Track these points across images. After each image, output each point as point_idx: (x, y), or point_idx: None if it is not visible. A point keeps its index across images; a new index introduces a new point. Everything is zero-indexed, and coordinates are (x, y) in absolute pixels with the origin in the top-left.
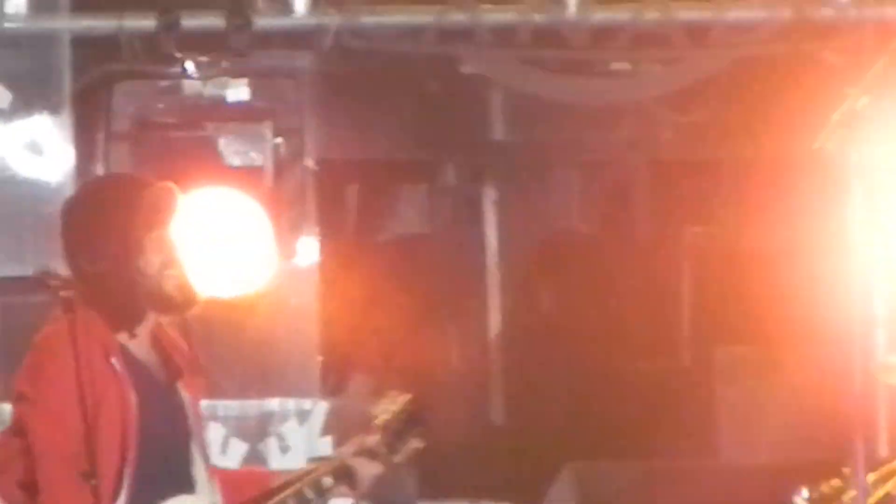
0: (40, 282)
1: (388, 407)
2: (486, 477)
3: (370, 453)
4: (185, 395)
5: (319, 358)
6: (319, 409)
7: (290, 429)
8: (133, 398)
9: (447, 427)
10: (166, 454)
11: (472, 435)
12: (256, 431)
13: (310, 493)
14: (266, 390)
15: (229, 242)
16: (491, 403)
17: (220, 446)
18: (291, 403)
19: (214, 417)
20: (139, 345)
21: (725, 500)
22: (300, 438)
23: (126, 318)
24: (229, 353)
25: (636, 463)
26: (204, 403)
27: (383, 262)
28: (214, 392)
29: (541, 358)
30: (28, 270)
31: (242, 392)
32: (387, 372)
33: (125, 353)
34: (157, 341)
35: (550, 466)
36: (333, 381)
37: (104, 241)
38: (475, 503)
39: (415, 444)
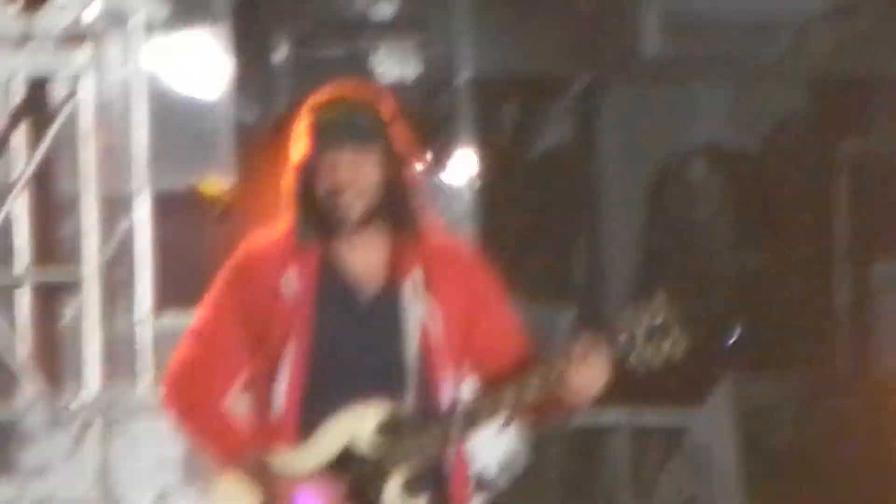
0: (197, 194)
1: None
2: (643, 385)
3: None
4: (422, 314)
5: None
6: None
7: None
8: (307, 313)
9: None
10: (349, 368)
11: None
12: None
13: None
14: None
15: None
16: None
17: None
18: None
19: None
20: (354, 258)
21: (882, 412)
22: None
23: (333, 230)
24: None
25: (794, 374)
26: None
27: (536, 177)
28: None
29: (696, 266)
30: (188, 184)
31: None
32: (542, 287)
33: (325, 266)
34: (402, 261)
35: (709, 377)
36: None
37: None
38: (637, 411)
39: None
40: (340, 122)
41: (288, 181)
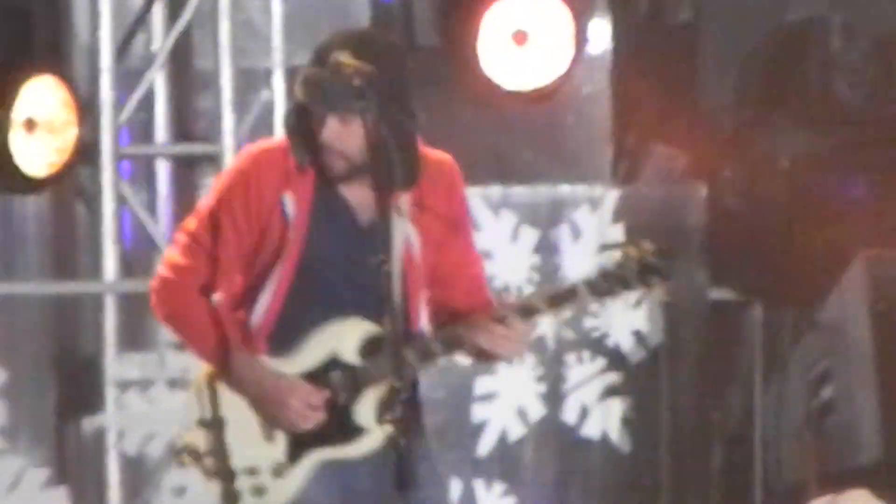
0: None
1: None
2: (773, 273)
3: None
4: (406, 238)
5: (611, 144)
6: (611, 195)
7: (582, 215)
8: (301, 232)
9: (731, 216)
10: (337, 285)
11: (762, 229)
12: (548, 218)
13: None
14: (558, 177)
15: (530, 36)
16: (778, 197)
17: (510, 233)
18: (583, 189)
19: (505, 204)
20: (349, 188)
21: None
22: (592, 225)
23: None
24: (522, 140)
25: None
26: (495, 190)
27: (676, 46)
28: (506, 178)
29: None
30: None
31: (534, 178)
32: (678, 158)
33: (322, 190)
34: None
35: (843, 256)
36: (625, 168)
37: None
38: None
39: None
40: (329, 85)
41: (290, 107)
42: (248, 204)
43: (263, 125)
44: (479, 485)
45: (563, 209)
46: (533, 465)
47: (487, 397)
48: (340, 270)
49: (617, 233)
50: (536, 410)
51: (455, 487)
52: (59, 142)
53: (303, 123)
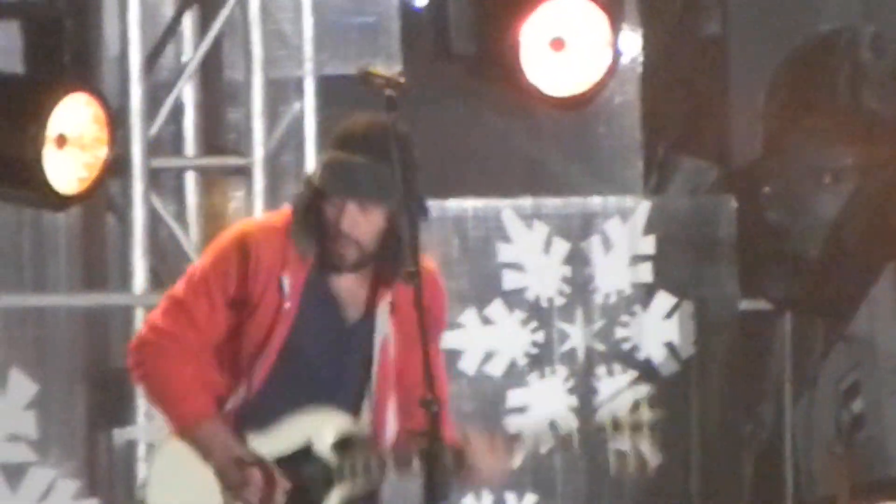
0: (364, 79)
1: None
2: (803, 284)
3: None
4: (385, 339)
5: (642, 155)
6: (642, 206)
7: (613, 227)
8: (291, 316)
9: (762, 227)
10: (317, 376)
11: (793, 240)
12: (579, 230)
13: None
14: (589, 188)
15: (567, 42)
16: (811, 209)
17: (542, 245)
18: (614, 201)
19: (537, 216)
20: (341, 282)
21: None
22: (623, 236)
23: (325, 263)
24: (554, 151)
25: None
26: (527, 201)
27: (707, 57)
28: (537, 190)
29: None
30: (354, 70)
31: (565, 190)
32: (710, 169)
33: (314, 279)
34: (379, 287)
35: (874, 267)
36: (656, 179)
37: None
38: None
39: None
40: (354, 172)
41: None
42: (246, 276)
43: (293, 137)
44: (510, 497)
45: (595, 220)
46: (564, 477)
47: (519, 409)
48: (322, 361)
49: (648, 244)
50: (568, 423)
51: (486, 499)
52: (89, 157)
53: (313, 209)
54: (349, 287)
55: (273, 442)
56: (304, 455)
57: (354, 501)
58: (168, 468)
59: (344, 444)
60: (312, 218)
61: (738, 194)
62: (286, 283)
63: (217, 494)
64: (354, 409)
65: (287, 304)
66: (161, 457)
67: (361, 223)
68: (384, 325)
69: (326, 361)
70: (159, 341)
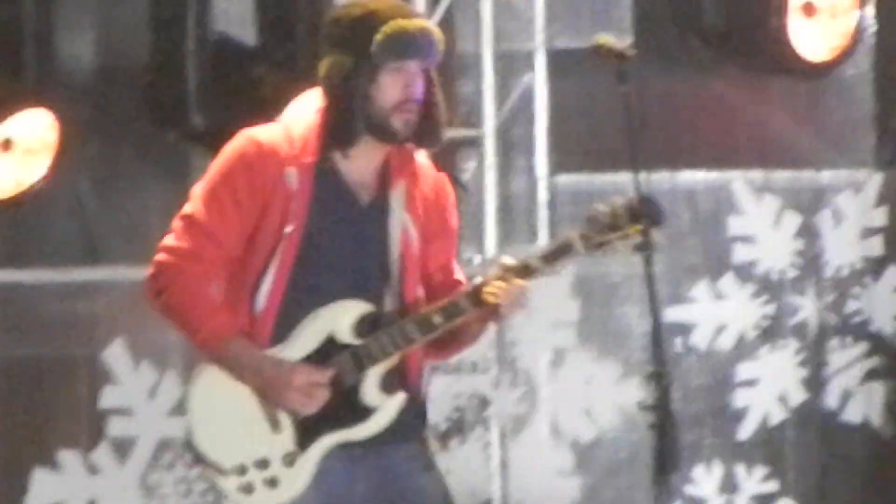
0: (595, 51)
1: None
2: None
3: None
4: (403, 224)
5: (875, 127)
6: (875, 179)
7: (845, 200)
8: (303, 211)
9: None
10: (336, 266)
11: None
12: (810, 203)
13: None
14: (821, 161)
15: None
16: None
17: (774, 218)
18: (846, 174)
19: (768, 189)
20: (350, 166)
21: None
22: (855, 210)
23: (337, 138)
24: (785, 123)
25: None
26: (757, 174)
27: None
28: (768, 162)
29: None
30: (586, 42)
31: (797, 162)
32: None
33: (322, 168)
34: (391, 173)
35: None
36: (889, 152)
37: (341, 56)
38: None
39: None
40: (412, 35)
41: (333, 82)
42: (252, 179)
43: (524, 109)
44: (740, 469)
45: (826, 194)
46: (794, 451)
47: (749, 383)
48: (342, 251)
49: (880, 217)
50: (798, 395)
51: (716, 472)
52: None
53: (360, 86)
54: (358, 170)
55: (295, 346)
56: (328, 348)
57: (392, 376)
58: (204, 402)
59: (364, 327)
60: (360, 94)
61: None
62: (292, 175)
63: (258, 412)
64: (375, 291)
65: (297, 196)
66: (195, 393)
67: (419, 84)
68: (400, 211)
69: (344, 249)
70: (179, 263)
